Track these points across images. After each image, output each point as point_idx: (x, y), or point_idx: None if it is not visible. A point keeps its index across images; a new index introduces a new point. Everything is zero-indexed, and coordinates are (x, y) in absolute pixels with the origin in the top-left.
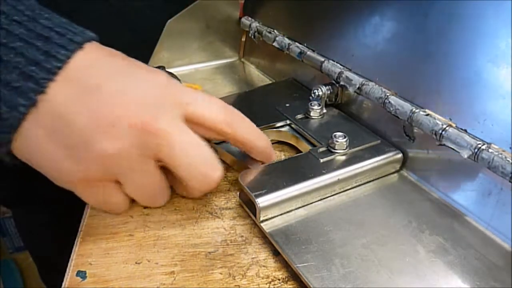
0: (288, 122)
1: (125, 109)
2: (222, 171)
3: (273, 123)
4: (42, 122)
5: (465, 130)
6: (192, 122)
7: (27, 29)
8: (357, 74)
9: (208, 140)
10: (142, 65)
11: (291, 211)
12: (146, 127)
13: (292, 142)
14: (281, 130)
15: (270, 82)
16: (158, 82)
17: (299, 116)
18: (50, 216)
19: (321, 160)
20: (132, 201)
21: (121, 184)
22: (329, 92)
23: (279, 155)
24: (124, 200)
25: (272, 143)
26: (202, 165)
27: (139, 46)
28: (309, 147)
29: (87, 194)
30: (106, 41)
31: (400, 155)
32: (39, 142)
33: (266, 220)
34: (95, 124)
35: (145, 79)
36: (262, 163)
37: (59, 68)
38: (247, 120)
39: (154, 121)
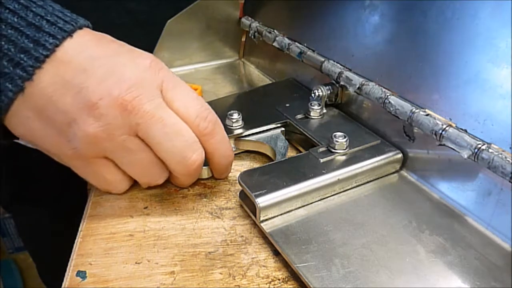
0: (288, 122)
1: (107, 91)
2: (202, 155)
3: (273, 123)
4: (30, 104)
5: (465, 130)
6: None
7: (19, 17)
8: (357, 74)
9: None
10: (128, 49)
11: (291, 211)
12: (126, 107)
13: (268, 152)
14: (257, 140)
15: (270, 82)
16: (142, 65)
17: (299, 116)
18: (50, 217)
19: (321, 160)
20: (135, 183)
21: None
22: (329, 92)
23: (250, 166)
24: (121, 178)
25: (246, 152)
26: (180, 145)
27: (142, 31)
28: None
29: (83, 170)
30: (108, 26)
31: (400, 155)
32: (29, 122)
33: (266, 220)
34: (78, 105)
35: (130, 62)
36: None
37: (47, 56)
38: (221, 127)
39: (135, 101)
